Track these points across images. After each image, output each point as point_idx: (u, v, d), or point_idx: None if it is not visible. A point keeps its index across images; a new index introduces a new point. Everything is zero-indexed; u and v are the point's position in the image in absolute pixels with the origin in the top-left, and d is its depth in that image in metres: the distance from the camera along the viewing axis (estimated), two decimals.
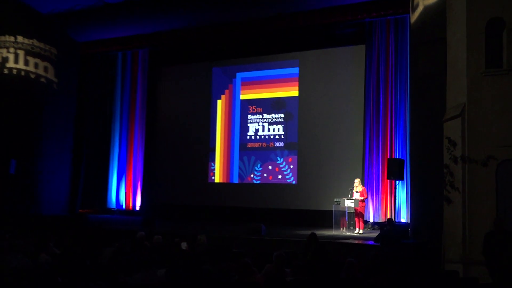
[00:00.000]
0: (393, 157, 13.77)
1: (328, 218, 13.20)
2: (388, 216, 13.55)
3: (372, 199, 14.10)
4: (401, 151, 13.87)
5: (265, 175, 16.26)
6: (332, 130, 15.30)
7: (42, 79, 16.08)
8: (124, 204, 18.24)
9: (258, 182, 16.34)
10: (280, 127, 16.21)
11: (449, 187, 9.25)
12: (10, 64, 15.45)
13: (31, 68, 15.74)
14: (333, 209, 12.84)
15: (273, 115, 16.33)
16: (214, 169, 17.14)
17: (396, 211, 13.46)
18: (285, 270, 6.41)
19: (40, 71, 16.01)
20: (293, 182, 15.83)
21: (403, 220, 13.44)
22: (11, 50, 15.50)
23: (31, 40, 15.78)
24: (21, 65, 15.56)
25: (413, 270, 7.55)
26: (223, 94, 17.27)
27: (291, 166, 15.89)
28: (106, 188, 18.39)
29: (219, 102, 17.32)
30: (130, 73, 18.79)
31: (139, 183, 18.17)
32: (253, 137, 16.60)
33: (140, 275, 5.90)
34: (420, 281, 6.51)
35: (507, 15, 8.85)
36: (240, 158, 16.73)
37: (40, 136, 16.03)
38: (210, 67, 17.56)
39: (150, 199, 17.80)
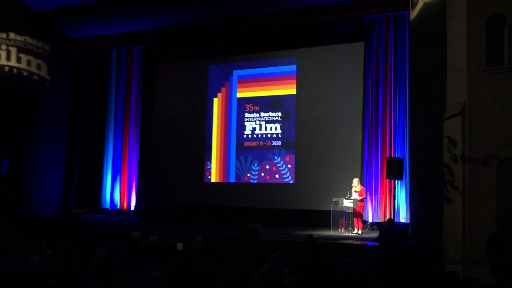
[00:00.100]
0: (392, 156, 13.77)
1: (327, 218, 13.20)
2: (388, 216, 13.57)
3: (371, 199, 14.11)
4: (401, 150, 13.88)
5: (262, 174, 16.26)
6: (330, 128, 15.29)
7: (35, 77, 16.04)
8: (118, 204, 18.20)
9: (255, 181, 16.33)
10: (278, 125, 16.20)
11: (449, 186, 9.27)
12: (2, 61, 15.41)
13: (23, 65, 15.70)
14: (331, 209, 12.84)
15: (270, 114, 16.32)
16: (210, 169, 17.12)
17: (395, 211, 13.48)
18: (283, 271, 6.40)
19: (33, 69, 15.96)
20: (291, 182, 15.83)
21: (402, 220, 13.45)
22: (3, 47, 15.46)
23: (23, 37, 15.73)
24: (13, 63, 15.52)
25: (412, 271, 7.56)
26: (220, 92, 17.25)
27: (289, 166, 15.89)
28: (100, 187, 18.33)
29: (215, 100, 17.30)
30: (124, 70, 18.73)
31: (134, 183, 18.13)
32: (250, 136, 16.59)
33: (135, 277, 5.89)
34: (420, 282, 6.52)
35: (508, 12, 8.86)
36: (237, 157, 16.72)
37: (33, 135, 16.00)
38: (206, 64, 17.53)
39: (145, 199, 17.77)
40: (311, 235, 9.02)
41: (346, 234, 12.37)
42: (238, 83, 16.96)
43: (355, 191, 12.64)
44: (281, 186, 15.94)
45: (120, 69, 18.77)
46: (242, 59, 16.99)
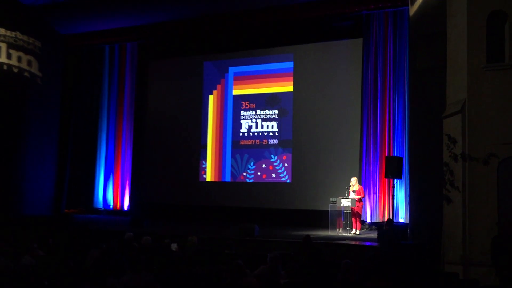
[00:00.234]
0: (391, 155, 13.79)
1: (324, 218, 13.20)
2: (386, 216, 13.60)
3: (370, 199, 14.13)
4: (400, 148, 13.91)
5: (259, 173, 16.26)
6: (328, 127, 15.30)
7: (26, 73, 15.98)
8: (111, 204, 18.17)
9: (251, 181, 16.34)
10: (274, 123, 16.20)
11: (449, 186, 9.29)
12: None
13: (14, 61, 15.63)
14: (329, 209, 12.84)
15: (267, 111, 16.32)
16: (205, 168, 17.11)
17: (394, 211, 13.51)
18: (279, 272, 6.41)
19: (24, 65, 15.90)
20: (288, 181, 15.84)
21: (401, 220, 13.49)
22: None
23: (13, 33, 15.67)
24: (3, 59, 15.45)
25: (411, 272, 7.58)
26: (215, 89, 17.23)
27: (286, 164, 15.90)
28: (92, 187, 18.31)
29: (210, 97, 17.28)
30: (117, 67, 18.70)
31: (128, 182, 18.10)
32: (246, 134, 16.59)
33: (128, 278, 5.89)
34: (419, 283, 6.54)
35: (509, 8, 8.88)
36: (233, 156, 16.71)
37: (24, 133, 15.95)
38: (201, 61, 17.50)
39: (138, 199, 17.75)
40: (308, 236, 9.03)
41: (344, 234, 12.38)
42: (234, 80, 16.95)
43: (353, 191, 12.65)
44: (278, 186, 15.94)
45: (113, 66, 18.74)
46: (238, 55, 16.98)
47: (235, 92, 16.87)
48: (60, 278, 5.95)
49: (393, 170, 11.93)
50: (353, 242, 11.15)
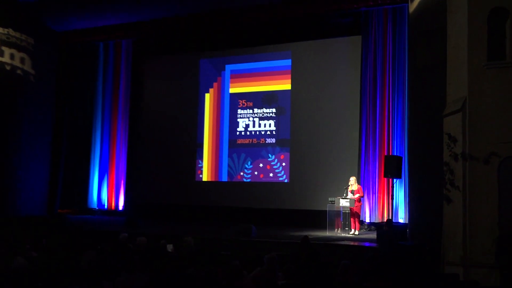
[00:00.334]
0: (390, 154, 13.81)
1: (322, 218, 13.21)
2: (386, 216, 13.61)
3: (369, 199, 14.14)
4: (399, 147, 13.92)
5: (256, 173, 16.26)
6: (327, 125, 15.31)
7: (19, 71, 15.93)
8: (106, 204, 18.16)
9: (248, 180, 16.33)
10: (272, 122, 16.19)
11: (449, 185, 9.29)
12: None
13: (6, 59, 15.57)
14: (327, 209, 12.85)
15: (264, 110, 16.32)
16: (201, 167, 17.10)
17: (393, 211, 13.53)
18: (276, 274, 6.40)
19: (16, 62, 15.85)
20: (285, 181, 15.84)
21: (401, 220, 13.50)
22: None
23: (6, 29, 15.61)
24: None
25: (411, 273, 7.59)
26: (211, 87, 17.22)
27: (283, 164, 15.90)
28: (87, 186, 18.28)
29: (207, 95, 17.27)
30: (112, 65, 18.66)
31: (122, 182, 18.08)
32: (243, 133, 16.58)
33: (123, 279, 5.88)
34: (419, 284, 6.54)
35: (511, 5, 8.88)
36: (229, 155, 16.70)
37: (16, 132, 15.90)
38: (198, 58, 17.50)
39: (134, 199, 17.74)
40: (306, 236, 9.03)
41: (343, 235, 12.39)
42: (231, 78, 16.94)
43: (352, 190, 12.66)
44: (275, 185, 15.94)
45: (107, 64, 18.70)
46: (235, 53, 16.97)
47: (232, 90, 16.86)
48: (53, 280, 5.94)
49: (392, 170, 11.93)
50: (351, 243, 11.16)
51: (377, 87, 14.39)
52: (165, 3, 15.72)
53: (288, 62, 16.14)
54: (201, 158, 17.13)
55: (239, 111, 16.68)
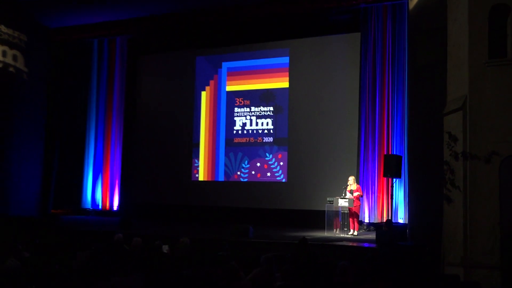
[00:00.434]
0: (390, 153, 13.82)
1: (321, 218, 13.23)
2: (385, 216, 13.63)
3: (368, 198, 14.16)
4: (399, 146, 13.93)
5: (253, 172, 16.26)
6: (325, 124, 15.31)
7: (11, 69, 15.89)
8: (100, 204, 18.14)
9: (246, 180, 16.33)
10: (269, 121, 16.19)
11: (450, 185, 9.31)
12: None
13: None
14: (325, 209, 12.87)
15: (262, 108, 16.32)
16: (198, 166, 17.09)
17: (393, 211, 13.53)
18: (274, 275, 6.40)
19: (9, 60, 15.81)
20: (283, 180, 15.84)
21: (400, 220, 13.52)
22: None
23: None
24: None
25: (411, 274, 7.60)
26: (208, 85, 17.21)
27: (281, 163, 15.90)
28: (80, 186, 18.27)
29: (203, 94, 17.26)
30: (107, 62, 18.64)
31: (117, 181, 18.07)
32: (240, 132, 16.58)
33: (117, 281, 5.87)
34: (419, 286, 6.55)
35: None
36: (226, 154, 16.70)
37: (9, 130, 15.85)
38: (194, 56, 17.47)
39: (128, 199, 17.72)
40: (304, 238, 9.03)
41: (341, 235, 12.41)
42: (228, 75, 16.93)
43: (351, 190, 12.67)
44: (273, 185, 15.94)
45: (102, 61, 18.68)
46: (231, 50, 16.96)
47: (229, 88, 16.86)
48: (46, 281, 5.93)
49: (392, 169, 11.95)
50: (350, 244, 11.17)
51: (376, 85, 14.40)
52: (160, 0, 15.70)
53: (286, 59, 16.14)
54: (197, 157, 17.12)
55: (236, 109, 16.68)
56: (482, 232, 8.68)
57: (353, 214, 12.59)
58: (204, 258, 7.75)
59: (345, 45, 15.35)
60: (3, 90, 15.79)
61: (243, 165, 16.37)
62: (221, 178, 16.73)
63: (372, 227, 13.82)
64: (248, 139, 16.42)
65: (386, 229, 11.18)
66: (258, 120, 16.34)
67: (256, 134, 16.33)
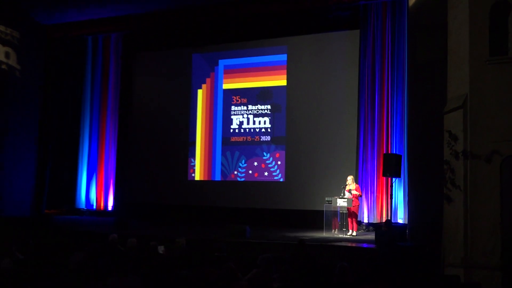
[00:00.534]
0: (389, 152, 13.84)
1: (319, 218, 13.25)
2: (384, 217, 13.65)
3: (367, 198, 14.17)
4: (398, 145, 13.95)
5: (250, 172, 16.26)
6: (323, 123, 15.32)
7: (3, 66, 15.87)
8: (95, 204, 18.12)
9: (243, 179, 16.33)
10: (267, 119, 16.20)
11: (450, 184, 9.33)
12: None
13: None
14: (324, 209, 12.89)
15: (259, 107, 16.32)
16: (194, 166, 17.09)
17: (392, 211, 13.56)
18: (272, 276, 6.41)
19: (1, 57, 15.79)
20: (281, 180, 15.85)
21: (400, 220, 13.54)
22: None
23: None
24: None
25: (411, 275, 7.62)
26: (204, 83, 17.20)
27: (279, 162, 15.91)
28: (75, 186, 18.24)
29: (199, 92, 17.25)
30: (101, 59, 18.59)
31: (112, 181, 18.05)
32: (237, 131, 16.58)
33: (112, 282, 5.87)
34: (419, 287, 6.57)
35: None
36: (223, 154, 16.70)
37: (1, 129, 15.82)
38: (190, 53, 17.45)
39: (123, 199, 17.70)
40: (302, 240, 9.04)
41: (340, 235, 12.42)
42: (224, 73, 16.92)
43: (350, 190, 12.68)
44: (271, 185, 15.95)
45: (96, 58, 18.64)
46: (228, 47, 16.94)
47: (226, 86, 16.85)
48: (40, 282, 5.93)
49: (391, 169, 11.96)
50: (349, 244, 11.20)
51: (375, 83, 14.40)
52: None
53: (283, 57, 16.14)
54: (194, 156, 17.12)
55: (233, 107, 16.67)
56: (483, 232, 8.71)
57: (352, 214, 12.60)
58: (201, 259, 7.76)
59: (344, 42, 15.35)
60: None
61: (240, 164, 16.38)
62: (218, 177, 16.73)
63: (371, 227, 13.84)
64: (245, 138, 16.42)
65: (385, 229, 11.20)
66: (255, 119, 16.34)
67: (253, 132, 16.33)
